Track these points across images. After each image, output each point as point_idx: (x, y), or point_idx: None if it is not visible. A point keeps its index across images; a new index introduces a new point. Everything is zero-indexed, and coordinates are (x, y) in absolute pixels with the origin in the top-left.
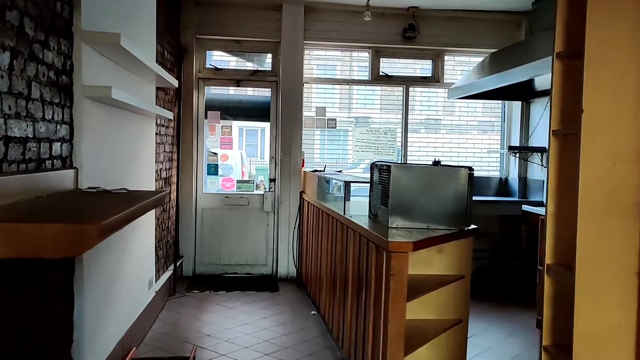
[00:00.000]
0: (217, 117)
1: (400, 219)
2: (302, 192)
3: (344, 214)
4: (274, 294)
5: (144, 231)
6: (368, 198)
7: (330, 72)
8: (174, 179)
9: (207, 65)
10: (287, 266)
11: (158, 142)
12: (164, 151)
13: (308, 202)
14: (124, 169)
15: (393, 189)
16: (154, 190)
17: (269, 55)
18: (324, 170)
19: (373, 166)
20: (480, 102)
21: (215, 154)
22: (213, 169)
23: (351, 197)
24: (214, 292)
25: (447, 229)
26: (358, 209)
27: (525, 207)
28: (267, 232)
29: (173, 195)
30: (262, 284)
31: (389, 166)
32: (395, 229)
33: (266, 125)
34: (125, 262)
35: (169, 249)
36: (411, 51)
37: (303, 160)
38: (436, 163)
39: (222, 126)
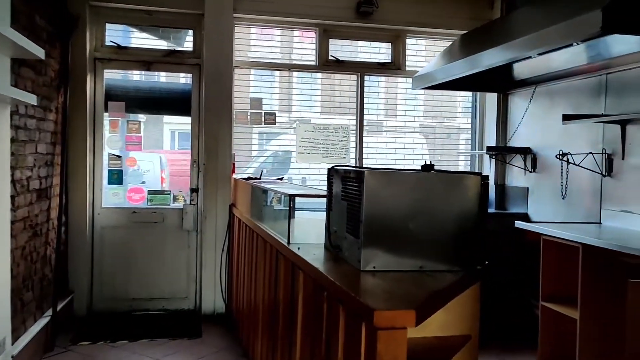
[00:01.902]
0: (120, 110)
1: (380, 257)
2: (232, 205)
3: (288, 242)
4: (195, 342)
5: None
6: (325, 218)
7: (269, 54)
8: (56, 191)
9: (107, 43)
10: (213, 299)
11: (22, 139)
12: (36, 152)
13: (240, 219)
14: None
15: (368, 209)
16: None
17: (190, 32)
18: (260, 178)
19: (332, 173)
20: (449, 94)
21: (119, 157)
22: (116, 177)
23: (300, 213)
24: (110, 343)
25: (450, 270)
26: (310, 233)
27: (519, 224)
28: (188, 256)
29: (53, 213)
30: (181, 325)
31: (361, 173)
32: (372, 273)
33: (186, 120)
34: None
35: (45, 287)
36: (367, 31)
37: (234, 164)
38: (428, 167)
39: (127, 121)
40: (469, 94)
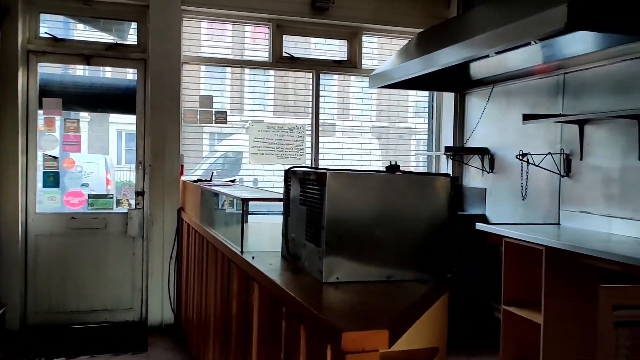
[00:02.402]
0: (57, 107)
1: (343, 267)
2: (181, 210)
3: (242, 250)
4: (140, 357)
5: None
6: (282, 224)
7: (220, 50)
8: None
9: (42, 34)
10: (160, 309)
11: None
12: None
13: (189, 225)
14: None
15: (330, 214)
16: None
17: (134, 25)
18: (210, 180)
19: (289, 175)
20: (404, 94)
21: (55, 158)
22: (52, 180)
23: (253, 217)
24: None
25: (419, 279)
26: (265, 239)
27: (480, 226)
28: (133, 264)
29: None
30: (125, 338)
31: (322, 175)
32: (335, 285)
33: (131, 118)
34: None
35: None
36: (323, 27)
37: (182, 166)
38: (393, 168)
39: (65, 119)
40: (426, 93)
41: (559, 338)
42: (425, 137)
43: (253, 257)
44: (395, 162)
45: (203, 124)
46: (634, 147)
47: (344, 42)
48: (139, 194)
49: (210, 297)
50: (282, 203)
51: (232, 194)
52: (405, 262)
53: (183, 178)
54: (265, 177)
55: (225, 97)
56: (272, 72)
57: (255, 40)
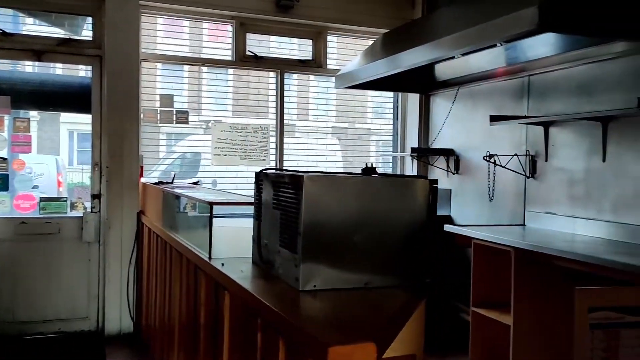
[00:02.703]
0: (5, 105)
1: (321, 274)
2: (141, 213)
3: (210, 257)
4: None
5: None
6: (253, 228)
7: (180, 48)
8: None
9: None
10: (118, 318)
11: None
12: None
13: (150, 229)
14: None
15: (307, 219)
16: None
17: (89, 20)
18: (172, 182)
19: (261, 178)
20: (369, 94)
21: (4, 159)
22: (1, 182)
23: (218, 220)
24: None
25: (398, 285)
26: (234, 245)
27: (448, 227)
28: (89, 271)
29: None
30: (81, 349)
31: (298, 178)
32: (313, 293)
33: (86, 118)
34: None
35: None
36: (287, 26)
37: (142, 167)
38: (369, 170)
39: (15, 119)
40: (390, 94)
41: (529, 339)
42: (389, 138)
43: (222, 264)
44: (372, 165)
45: (163, 124)
46: (597, 148)
47: (309, 42)
48: (95, 196)
49: (174, 305)
50: (251, 206)
51: (198, 197)
52: (383, 268)
53: (143, 180)
54: (225, 179)
55: (184, 97)
56: (231, 71)
57: (217, 38)
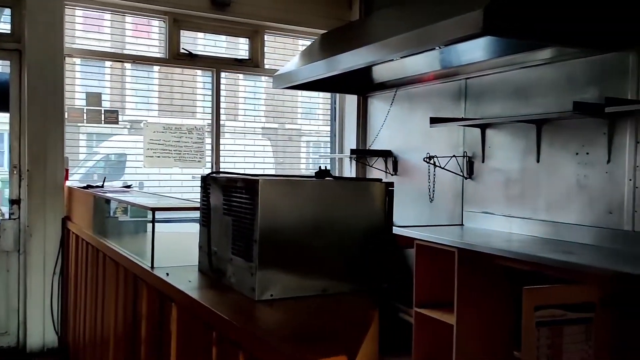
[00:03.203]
0: None
1: (278, 283)
2: (66, 219)
3: (152, 266)
4: None
5: None
6: (200, 235)
7: (109, 44)
8: None
9: None
10: (42, 333)
11: None
12: None
13: (78, 236)
14: None
15: (264, 226)
16: None
17: (7, 11)
18: (102, 186)
19: (209, 181)
20: (307, 95)
21: None
22: None
23: (157, 226)
24: None
25: (356, 290)
26: (176, 252)
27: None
28: (8, 282)
29: None
30: None
31: (253, 182)
32: (270, 302)
33: (3, 116)
34: None
35: None
36: (223, 24)
37: (67, 170)
38: (323, 173)
39: None
40: (328, 95)
41: (471, 337)
42: (327, 139)
43: (167, 274)
44: (326, 167)
45: (90, 124)
46: (532, 150)
47: (246, 40)
48: (15, 202)
49: (109, 318)
50: (193, 211)
51: (138, 202)
52: (341, 274)
53: (68, 184)
54: (152, 182)
55: (108, 95)
56: (157, 68)
57: (149, 35)
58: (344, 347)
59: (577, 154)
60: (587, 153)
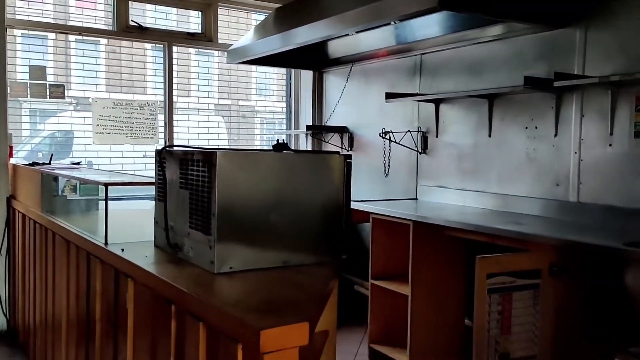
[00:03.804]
0: None
1: (237, 255)
2: (11, 198)
3: (106, 242)
4: None
5: None
6: (155, 210)
7: (54, 14)
8: None
9: None
10: None
11: None
12: None
13: (25, 215)
14: None
15: (222, 199)
16: None
17: None
18: (49, 163)
19: (164, 155)
20: (261, 70)
21: None
22: None
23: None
24: None
25: (316, 262)
26: (130, 228)
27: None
28: None
29: None
30: None
31: (210, 154)
32: (229, 275)
33: None
34: None
35: None
36: None
37: (11, 147)
38: (280, 146)
39: None
40: (283, 71)
41: (426, 307)
42: (282, 116)
43: (123, 250)
44: (283, 140)
45: (34, 99)
46: (484, 124)
47: (198, 14)
48: None
49: (60, 299)
50: (146, 187)
51: (90, 179)
52: (301, 246)
53: (12, 161)
54: (101, 159)
55: (52, 69)
56: (104, 42)
57: (95, 5)
58: (305, 314)
59: (526, 128)
60: (536, 127)
